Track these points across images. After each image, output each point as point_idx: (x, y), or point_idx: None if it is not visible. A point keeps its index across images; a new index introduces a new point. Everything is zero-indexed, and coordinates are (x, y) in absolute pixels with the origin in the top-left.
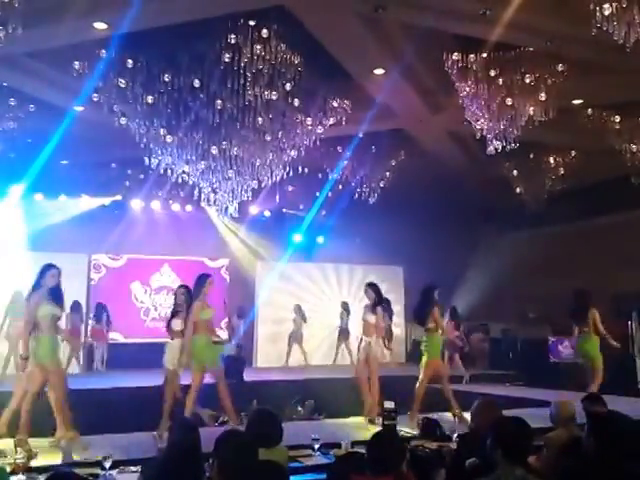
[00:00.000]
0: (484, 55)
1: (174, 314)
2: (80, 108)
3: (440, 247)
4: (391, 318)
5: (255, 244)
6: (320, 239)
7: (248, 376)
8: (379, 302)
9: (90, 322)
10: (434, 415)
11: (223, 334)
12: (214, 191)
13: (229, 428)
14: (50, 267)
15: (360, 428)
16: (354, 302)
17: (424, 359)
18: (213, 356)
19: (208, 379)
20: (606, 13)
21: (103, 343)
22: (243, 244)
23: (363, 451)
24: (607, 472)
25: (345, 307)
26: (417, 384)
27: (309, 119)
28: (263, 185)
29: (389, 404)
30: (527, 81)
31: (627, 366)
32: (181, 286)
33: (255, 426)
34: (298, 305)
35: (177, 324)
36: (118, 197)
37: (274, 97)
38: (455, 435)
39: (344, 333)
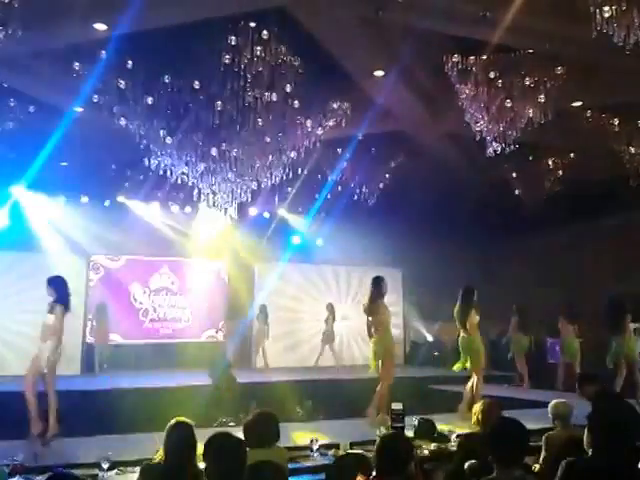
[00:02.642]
0: (484, 57)
1: None
2: (80, 109)
3: (439, 250)
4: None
5: (254, 245)
6: (319, 241)
7: (247, 377)
8: (62, 299)
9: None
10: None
11: (221, 335)
12: (213, 192)
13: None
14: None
15: (360, 429)
16: (352, 304)
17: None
18: None
19: None
20: (606, 15)
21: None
22: (242, 245)
23: (362, 452)
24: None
25: (331, 310)
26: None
27: (309, 121)
28: (262, 186)
29: (397, 406)
30: (527, 83)
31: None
32: None
33: (252, 426)
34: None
35: None
36: (118, 198)
37: (274, 99)
38: (454, 436)
39: (329, 336)
